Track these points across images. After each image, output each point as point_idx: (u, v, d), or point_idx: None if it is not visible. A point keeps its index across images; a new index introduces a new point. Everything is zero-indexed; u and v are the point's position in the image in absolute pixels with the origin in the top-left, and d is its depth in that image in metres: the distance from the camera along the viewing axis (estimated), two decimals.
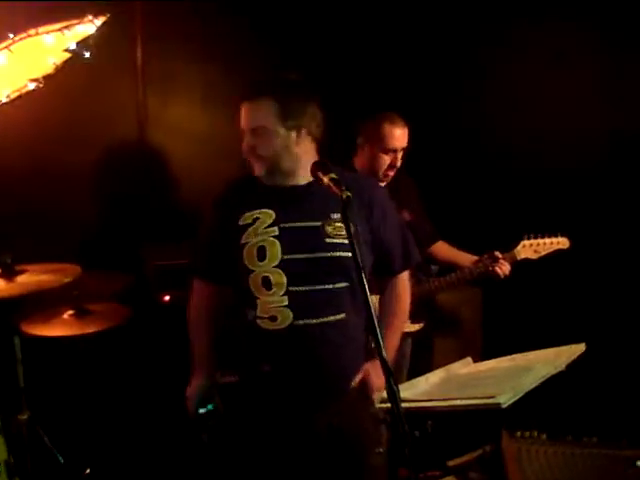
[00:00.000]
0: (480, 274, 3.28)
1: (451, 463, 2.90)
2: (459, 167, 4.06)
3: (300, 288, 2.21)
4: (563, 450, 2.51)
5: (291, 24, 3.95)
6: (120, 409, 3.50)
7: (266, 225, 2.24)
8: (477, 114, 4.05)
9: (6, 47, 2.96)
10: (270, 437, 2.28)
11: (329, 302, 2.23)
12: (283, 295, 2.21)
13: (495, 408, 1.70)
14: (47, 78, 3.09)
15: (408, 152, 3.19)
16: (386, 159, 3.13)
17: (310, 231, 2.22)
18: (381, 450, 2.28)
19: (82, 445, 3.31)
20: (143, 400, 3.49)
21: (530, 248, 3.32)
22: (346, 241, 2.19)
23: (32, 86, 3.09)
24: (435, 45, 4.03)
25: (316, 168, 2.08)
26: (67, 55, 3.13)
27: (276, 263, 2.22)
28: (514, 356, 2.18)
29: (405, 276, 2.48)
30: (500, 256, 3.24)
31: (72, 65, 3.12)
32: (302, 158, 2.25)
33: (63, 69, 3.12)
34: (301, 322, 2.21)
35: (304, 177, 2.27)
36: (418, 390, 2.00)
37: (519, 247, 3.31)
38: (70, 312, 3.07)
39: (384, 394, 1.82)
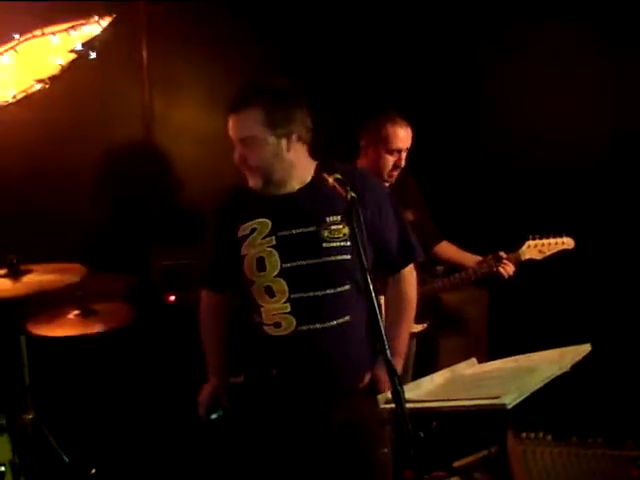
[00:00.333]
0: (484, 274, 3.27)
1: (456, 464, 2.90)
2: (463, 167, 4.06)
3: (302, 294, 2.22)
4: (568, 451, 2.51)
5: (294, 25, 3.95)
6: (125, 409, 3.50)
7: (263, 235, 2.24)
8: (478, 114, 4.04)
9: (12, 47, 2.98)
10: (279, 439, 2.29)
11: (332, 306, 2.23)
12: (286, 302, 2.22)
13: (500, 409, 1.69)
14: (53, 79, 3.11)
15: (411, 152, 3.18)
16: (390, 160, 3.13)
17: (307, 237, 2.22)
18: (386, 450, 2.28)
19: (87, 445, 3.31)
20: (148, 400, 3.50)
21: (535, 248, 3.31)
22: (343, 244, 2.21)
23: (38, 86, 3.11)
24: (435, 45, 4.03)
25: (321, 169, 2.09)
26: (73, 56, 3.15)
27: (276, 273, 2.23)
28: (519, 357, 2.17)
29: (409, 272, 2.45)
30: (504, 256, 3.24)
31: (78, 66, 3.14)
32: (295, 164, 2.25)
33: (69, 70, 3.13)
34: (304, 328, 2.22)
35: (298, 182, 2.27)
36: (423, 390, 2.00)
37: (524, 247, 3.30)
38: (75, 312, 3.07)
39: (389, 394, 1.82)
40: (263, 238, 2.24)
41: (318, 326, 2.22)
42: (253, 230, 2.26)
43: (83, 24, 3.12)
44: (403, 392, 1.76)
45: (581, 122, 3.84)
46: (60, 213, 3.67)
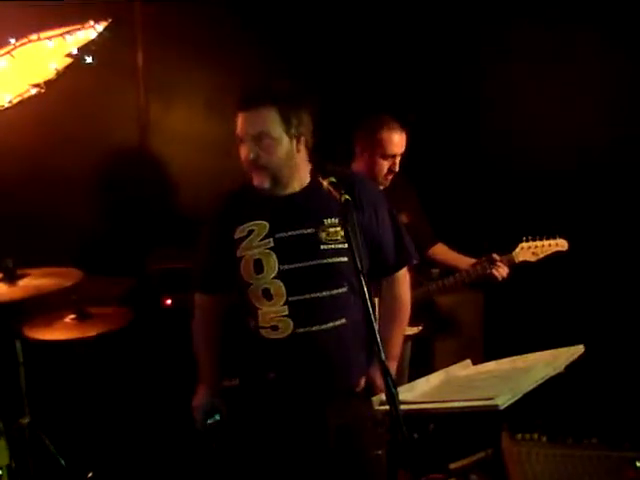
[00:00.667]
0: (478, 277, 3.28)
1: (453, 466, 2.91)
2: (458, 169, 4.06)
3: (300, 297, 2.22)
4: (564, 452, 2.51)
5: (291, 29, 3.96)
6: (122, 412, 3.50)
7: (261, 237, 2.24)
8: (477, 114, 4.05)
9: (8, 52, 2.98)
10: (275, 443, 2.29)
11: (329, 308, 2.24)
12: (283, 305, 2.22)
13: (493, 409, 1.70)
14: (49, 83, 3.11)
15: (407, 153, 3.19)
16: (385, 165, 3.14)
17: (305, 239, 2.22)
18: (380, 452, 2.29)
19: (84, 449, 3.31)
20: (145, 403, 3.50)
21: (528, 250, 3.31)
22: (341, 246, 2.22)
23: (34, 91, 3.11)
24: (435, 46, 4.03)
25: (316, 172, 2.10)
26: (68, 60, 3.15)
27: (274, 275, 2.22)
28: (513, 358, 2.17)
29: (403, 275, 2.46)
30: (498, 259, 3.24)
31: (73, 70, 3.14)
32: (300, 166, 2.27)
33: (65, 74, 3.14)
34: (302, 330, 2.22)
35: (298, 184, 2.28)
36: (417, 392, 2.00)
37: (517, 249, 3.31)
38: (72, 316, 3.07)
39: (383, 396, 1.82)
40: (261, 240, 2.24)
41: (315, 328, 2.22)
42: (250, 232, 2.26)
43: (79, 29, 3.12)
44: (397, 394, 1.76)
45: (580, 123, 3.84)
46: (57, 217, 3.68)
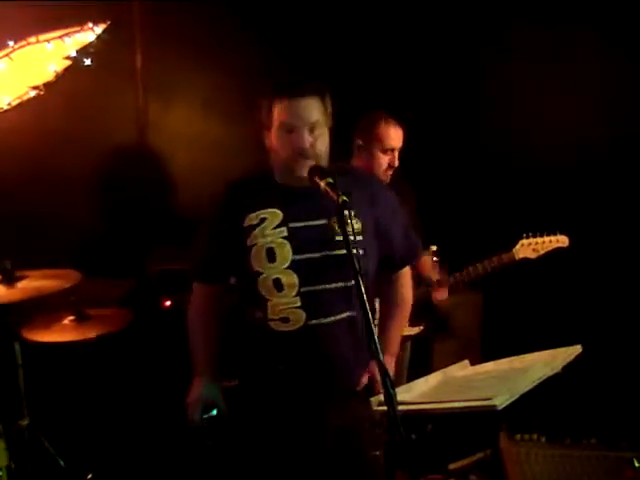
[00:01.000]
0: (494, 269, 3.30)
1: (452, 466, 2.91)
2: (458, 166, 4.06)
3: (312, 288, 2.17)
4: (562, 452, 2.52)
5: (290, 29, 3.97)
6: (121, 414, 3.50)
7: (274, 225, 2.18)
8: (477, 114, 4.05)
9: (6, 55, 2.99)
10: (280, 437, 2.25)
11: (341, 300, 2.19)
12: (295, 296, 2.17)
13: (491, 410, 1.70)
14: (47, 85, 3.12)
15: (408, 152, 3.20)
16: (385, 159, 3.15)
17: (319, 229, 2.17)
18: (377, 453, 2.28)
19: (83, 450, 3.31)
20: (144, 405, 3.50)
21: (529, 247, 3.31)
22: (357, 237, 2.16)
23: (33, 93, 3.12)
24: (435, 45, 4.04)
25: (313, 173, 2.09)
26: (67, 62, 3.15)
27: (287, 264, 2.17)
28: (511, 358, 2.17)
29: (406, 271, 2.45)
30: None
31: (72, 72, 3.15)
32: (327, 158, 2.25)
33: (63, 76, 3.14)
34: (314, 322, 2.17)
35: None
36: (415, 392, 2.00)
37: (517, 246, 3.31)
38: (71, 317, 3.08)
39: (381, 397, 1.82)
40: (274, 228, 2.19)
41: (328, 320, 2.18)
42: (263, 220, 2.20)
43: (77, 31, 3.13)
44: (395, 394, 1.76)
45: (580, 122, 3.85)
46: (56, 218, 3.68)
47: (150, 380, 3.51)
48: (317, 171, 2.09)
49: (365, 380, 2.27)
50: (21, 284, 2.87)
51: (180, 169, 3.99)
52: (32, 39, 3.05)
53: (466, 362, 2.26)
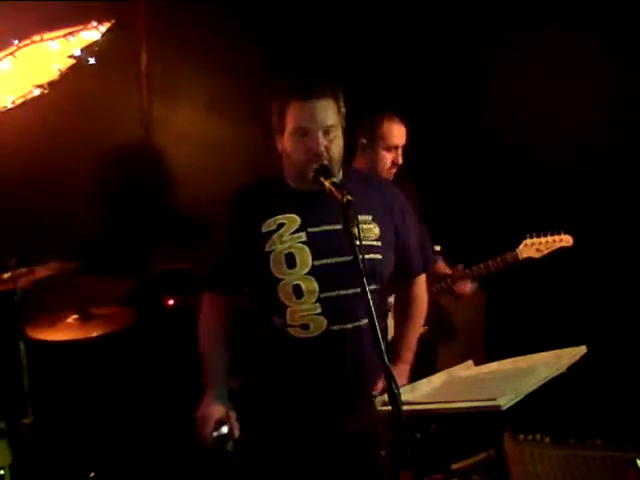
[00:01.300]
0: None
1: (455, 466, 2.91)
2: (461, 166, 4.06)
3: (332, 294, 2.14)
4: (566, 453, 2.51)
5: (294, 29, 3.97)
6: (125, 413, 3.50)
7: (292, 231, 2.15)
8: (478, 114, 4.05)
9: (11, 53, 2.99)
10: (296, 443, 2.22)
11: (362, 305, 2.08)
12: (315, 302, 2.13)
13: (495, 410, 1.69)
14: (52, 84, 3.12)
15: (410, 150, 3.20)
16: (389, 157, 3.15)
17: (338, 234, 2.04)
18: (383, 453, 2.27)
19: (86, 449, 3.31)
20: (147, 403, 3.50)
21: (532, 247, 3.30)
22: (374, 243, 2.17)
23: (37, 92, 3.12)
24: (435, 45, 4.04)
25: (317, 173, 2.07)
26: (71, 61, 3.15)
27: (307, 270, 2.13)
28: (516, 359, 2.17)
29: (423, 278, 2.43)
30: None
31: (77, 71, 3.15)
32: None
33: (68, 75, 3.14)
34: (336, 328, 2.14)
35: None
36: (420, 393, 2.00)
37: (521, 246, 3.30)
38: (75, 316, 3.09)
39: (386, 397, 1.82)
40: (292, 234, 2.15)
41: (349, 326, 2.15)
42: (280, 225, 2.16)
43: (82, 30, 3.13)
44: (400, 395, 1.76)
45: (581, 122, 3.84)
46: (60, 217, 3.68)
47: (154, 379, 3.52)
48: (322, 171, 2.06)
49: (381, 386, 2.23)
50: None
51: (184, 168, 3.99)
52: (36, 38, 3.04)
53: (470, 362, 2.25)
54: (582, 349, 2.03)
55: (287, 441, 2.23)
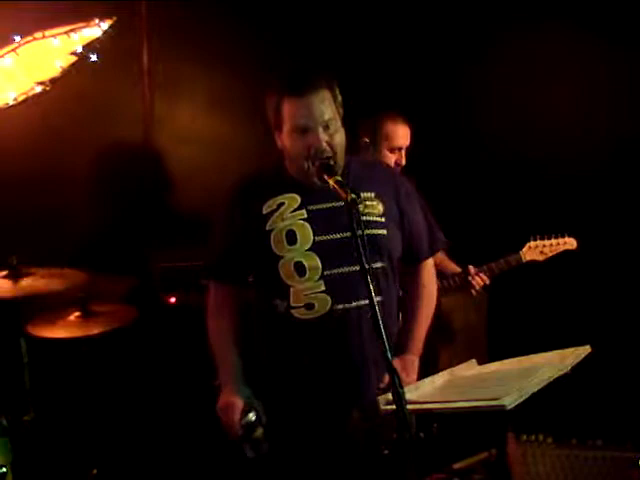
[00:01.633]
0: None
1: (456, 466, 2.91)
2: (464, 168, 4.05)
3: (336, 271, 2.09)
4: (568, 453, 2.51)
5: (295, 28, 3.96)
6: (126, 410, 3.50)
7: (292, 209, 2.12)
8: (479, 115, 4.04)
9: (12, 50, 2.99)
10: (305, 439, 2.17)
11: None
12: (319, 280, 2.08)
13: (499, 410, 1.69)
14: (53, 81, 3.12)
15: (412, 152, 3.19)
16: (392, 158, 3.14)
17: (340, 210, 1.98)
18: (386, 452, 2.27)
19: (88, 446, 3.31)
20: (149, 401, 3.50)
21: (536, 249, 3.29)
22: (379, 219, 2.14)
23: (39, 89, 3.12)
24: (436, 45, 4.03)
25: (321, 170, 2.04)
26: (73, 58, 3.16)
27: (308, 246, 2.09)
28: (519, 358, 2.16)
29: (430, 264, 2.39)
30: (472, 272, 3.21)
31: (78, 68, 3.15)
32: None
33: (69, 72, 3.14)
34: (340, 307, 2.09)
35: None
36: (423, 392, 1.99)
37: (525, 249, 3.29)
38: (76, 314, 3.08)
39: (389, 396, 1.81)
40: (292, 211, 2.12)
41: (353, 304, 2.09)
42: (280, 205, 2.13)
43: (84, 27, 3.13)
44: (404, 393, 1.75)
45: (584, 122, 3.84)
46: (61, 215, 3.67)
47: (155, 376, 3.51)
48: (325, 169, 2.04)
49: (387, 379, 2.20)
50: (26, 281, 2.87)
51: (186, 167, 3.97)
52: (38, 34, 3.05)
53: (473, 362, 2.25)
54: (586, 349, 2.02)
55: (293, 432, 2.18)
